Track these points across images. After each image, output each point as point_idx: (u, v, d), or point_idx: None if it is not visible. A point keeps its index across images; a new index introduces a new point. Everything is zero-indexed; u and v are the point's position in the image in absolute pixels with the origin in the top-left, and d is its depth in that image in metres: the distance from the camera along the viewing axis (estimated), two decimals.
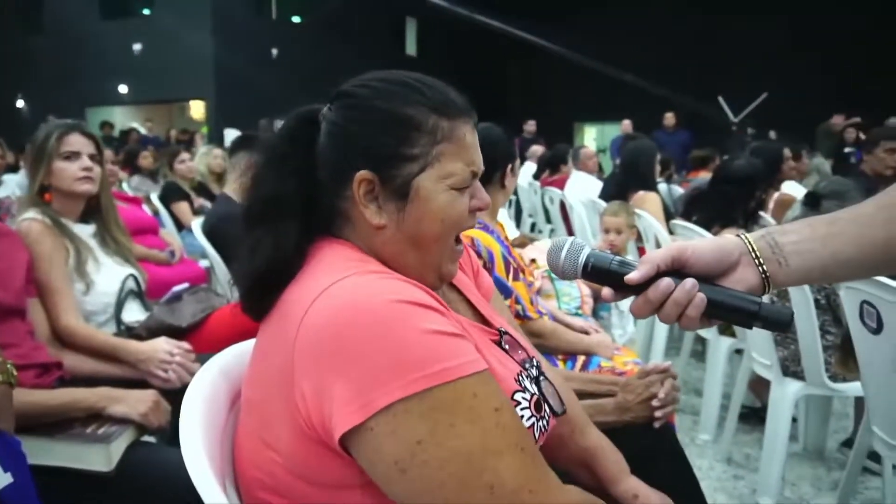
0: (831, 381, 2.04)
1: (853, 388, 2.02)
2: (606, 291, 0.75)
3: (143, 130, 11.49)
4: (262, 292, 0.76)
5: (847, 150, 8.04)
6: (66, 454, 1.17)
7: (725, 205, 2.56)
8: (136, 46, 13.50)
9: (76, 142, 1.73)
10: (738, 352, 2.70)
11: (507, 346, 0.86)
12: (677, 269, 0.73)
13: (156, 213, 4.05)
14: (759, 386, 2.60)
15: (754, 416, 2.69)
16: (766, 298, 0.74)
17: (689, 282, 0.71)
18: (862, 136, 8.16)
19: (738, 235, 0.75)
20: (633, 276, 0.72)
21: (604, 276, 0.76)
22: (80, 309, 1.63)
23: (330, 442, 0.65)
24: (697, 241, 0.75)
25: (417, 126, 0.75)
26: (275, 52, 13.69)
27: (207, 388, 0.81)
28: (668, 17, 13.74)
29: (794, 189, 3.91)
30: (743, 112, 11.08)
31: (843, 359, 1.74)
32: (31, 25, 13.99)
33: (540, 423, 0.80)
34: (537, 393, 0.82)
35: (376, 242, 0.77)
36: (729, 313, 0.72)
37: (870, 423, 1.67)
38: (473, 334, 0.78)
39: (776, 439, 2.06)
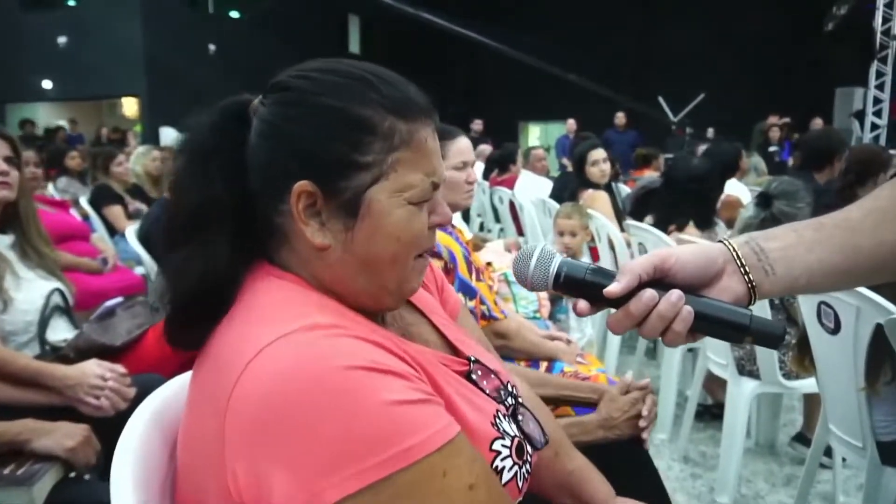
0: (785, 379, 2.07)
1: (805, 384, 2.07)
2: (582, 305, 0.67)
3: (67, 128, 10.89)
4: (188, 322, 0.65)
5: (771, 148, 8.37)
6: None
7: (679, 205, 2.58)
8: (61, 39, 12.74)
9: None
10: (691, 350, 2.73)
11: (477, 376, 0.76)
12: (659, 279, 0.67)
13: (85, 217, 3.80)
14: (712, 383, 2.64)
15: (706, 413, 2.73)
16: None
17: (676, 293, 0.65)
18: (794, 136, 8.55)
19: (720, 241, 0.70)
20: (613, 289, 0.65)
21: (578, 287, 0.68)
22: None
23: None
24: (680, 249, 0.69)
25: (371, 129, 0.63)
26: (212, 47, 13.22)
27: (140, 438, 0.69)
28: (610, 17, 14.03)
29: (735, 186, 4.00)
30: (682, 112, 11.42)
31: (800, 358, 1.77)
32: None
33: (523, 470, 0.71)
34: (518, 434, 0.73)
35: (319, 266, 0.66)
36: (718, 328, 0.66)
37: (827, 421, 1.70)
38: (439, 372, 0.69)
39: (734, 438, 2.08)
